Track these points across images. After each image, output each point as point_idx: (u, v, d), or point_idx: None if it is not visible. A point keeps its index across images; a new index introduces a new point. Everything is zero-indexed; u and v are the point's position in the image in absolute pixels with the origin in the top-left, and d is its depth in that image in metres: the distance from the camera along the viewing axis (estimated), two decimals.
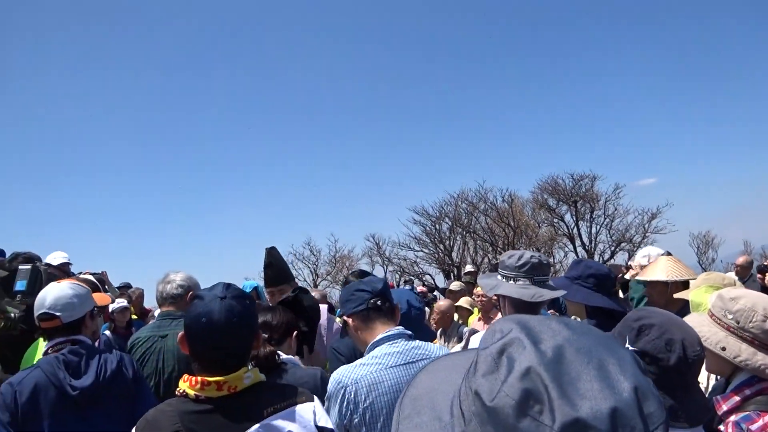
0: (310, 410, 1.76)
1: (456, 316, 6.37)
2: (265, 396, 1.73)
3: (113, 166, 42.32)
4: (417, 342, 2.36)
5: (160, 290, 3.25)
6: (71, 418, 2.24)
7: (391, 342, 2.30)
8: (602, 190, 29.74)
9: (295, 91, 46.45)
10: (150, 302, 7.27)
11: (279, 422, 1.70)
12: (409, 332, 2.43)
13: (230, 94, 46.10)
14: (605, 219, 29.91)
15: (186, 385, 1.70)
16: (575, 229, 30.15)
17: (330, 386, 2.23)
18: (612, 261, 26.80)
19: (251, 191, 43.63)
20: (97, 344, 2.64)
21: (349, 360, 2.64)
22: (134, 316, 7.02)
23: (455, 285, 7.84)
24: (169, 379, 3.06)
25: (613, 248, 29.31)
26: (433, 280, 28.78)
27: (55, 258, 5.63)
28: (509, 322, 0.70)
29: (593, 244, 29.89)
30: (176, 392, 1.72)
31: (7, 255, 4.68)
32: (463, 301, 6.64)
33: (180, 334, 1.74)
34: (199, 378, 1.68)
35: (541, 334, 0.66)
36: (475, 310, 6.30)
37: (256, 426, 1.67)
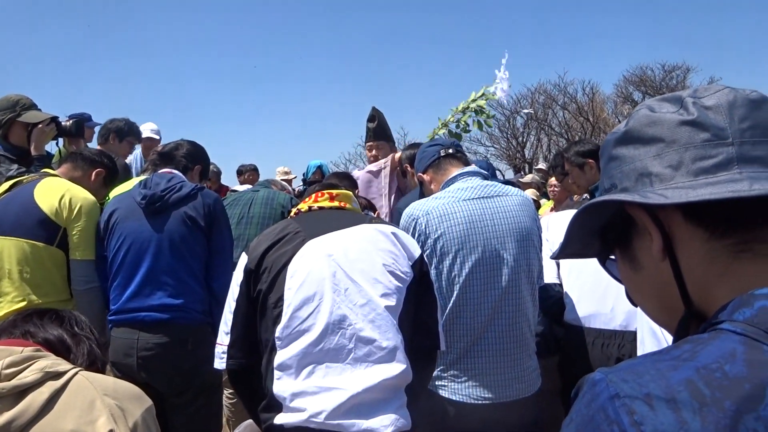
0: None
1: None
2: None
3: None
4: (493, 182, 2.25)
5: None
6: (139, 223, 2.36)
7: (465, 179, 2.20)
8: (695, 83, 27.45)
9: None
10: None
11: (384, 226, 1.81)
12: (486, 172, 2.33)
13: None
14: None
15: (303, 205, 1.90)
16: None
17: (402, 221, 2.18)
18: None
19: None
20: None
21: None
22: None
23: (527, 177, 7.99)
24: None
25: None
26: (503, 175, 28.23)
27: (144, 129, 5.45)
28: None
29: None
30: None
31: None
32: (529, 193, 6.62)
33: None
34: (312, 195, 1.90)
35: None
36: (546, 202, 6.34)
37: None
